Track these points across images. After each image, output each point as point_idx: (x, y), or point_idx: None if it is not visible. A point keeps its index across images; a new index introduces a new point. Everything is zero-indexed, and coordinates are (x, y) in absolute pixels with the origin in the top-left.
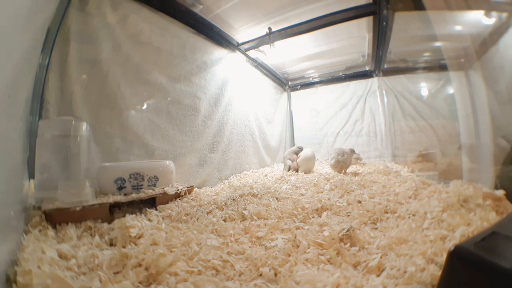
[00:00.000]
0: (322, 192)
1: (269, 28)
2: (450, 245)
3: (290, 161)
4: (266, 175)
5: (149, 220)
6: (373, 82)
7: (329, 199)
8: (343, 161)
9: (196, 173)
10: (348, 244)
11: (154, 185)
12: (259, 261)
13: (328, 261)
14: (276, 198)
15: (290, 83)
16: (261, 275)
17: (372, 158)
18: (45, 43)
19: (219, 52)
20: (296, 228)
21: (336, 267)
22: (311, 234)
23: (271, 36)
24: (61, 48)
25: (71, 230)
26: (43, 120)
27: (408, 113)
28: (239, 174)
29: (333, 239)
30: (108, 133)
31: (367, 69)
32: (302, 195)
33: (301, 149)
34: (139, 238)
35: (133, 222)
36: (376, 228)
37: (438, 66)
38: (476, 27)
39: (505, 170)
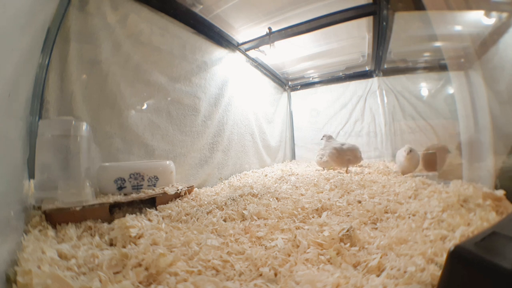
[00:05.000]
0: (322, 192)
1: (269, 28)
2: (450, 245)
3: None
4: (266, 175)
5: (149, 220)
6: (373, 82)
7: (329, 199)
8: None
9: (196, 173)
10: (348, 244)
11: (154, 185)
12: (259, 261)
13: (328, 261)
14: (276, 198)
15: (290, 83)
16: (261, 275)
17: (372, 158)
18: (45, 43)
19: (219, 52)
20: (296, 228)
21: (336, 267)
22: (311, 234)
23: (271, 36)
24: (61, 48)
25: (71, 230)
26: (43, 120)
27: (408, 113)
28: (239, 174)
29: (333, 239)
30: (108, 133)
31: (367, 69)
32: (302, 195)
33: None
34: (139, 238)
35: (133, 222)
36: (376, 228)
37: (438, 66)
38: (476, 27)
39: (505, 170)
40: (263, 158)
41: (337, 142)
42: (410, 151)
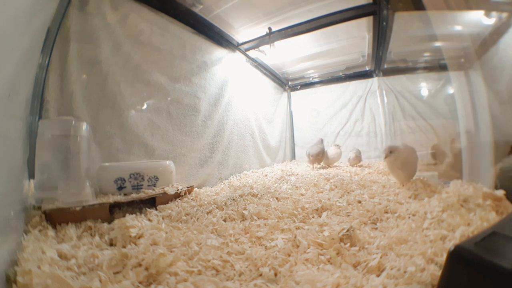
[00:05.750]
0: (322, 192)
1: (269, 28)
2: (450, 245)
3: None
4: (266, 175)
5: (149, 220)
6: (373, 82)
7: (329, 199)
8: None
9: (196, 173)
10: (348, 244)
11: (154, 185)
12: (259, 261)
13: (328, 261)
14: (276, 198)
15: (290, 83)
16: (261, 275)
17: (372, 158)
18: (45, 43)
19: (219, 52)
20: (296, 228)
21: (336, 267)
22: (311, 234)
23: (271, 36)
24: (61, 48)
25: (71, 230)
26: (43, 120)
27: (408, 113)
28: (239, 174)
29: (333, 239)
30: (108, 133)
31: (367, 69)
32: (302, 195)
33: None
34: (139, 238)
35: (133, 222)
36: (376, 228)
37: (438, 66)
38: (476, 27)
39: (505, 170)
40: (263, 158)
41: (312, 146)
42: (390, 152)
